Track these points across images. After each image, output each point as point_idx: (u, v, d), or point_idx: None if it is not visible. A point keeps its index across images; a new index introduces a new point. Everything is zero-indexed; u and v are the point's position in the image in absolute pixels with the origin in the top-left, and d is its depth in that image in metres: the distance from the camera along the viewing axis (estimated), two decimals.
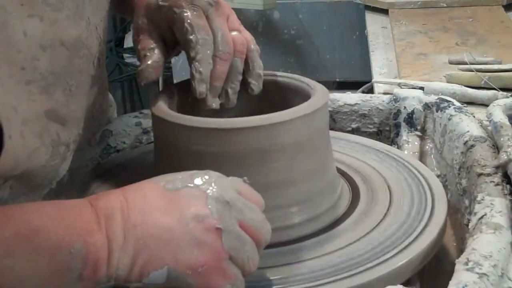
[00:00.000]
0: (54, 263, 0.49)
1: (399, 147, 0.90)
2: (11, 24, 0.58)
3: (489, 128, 0.76)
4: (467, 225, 0.63)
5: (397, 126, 0.93)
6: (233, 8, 0.75)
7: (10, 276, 0.48)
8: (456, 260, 0.53)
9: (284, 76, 0.76)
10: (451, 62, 1.28)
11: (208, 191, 0.54)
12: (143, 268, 0.51)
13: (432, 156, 0.88)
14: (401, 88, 1.06)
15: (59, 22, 0.64)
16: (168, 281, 0.51)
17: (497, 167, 0.67)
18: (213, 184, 0.54)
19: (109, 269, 0.51)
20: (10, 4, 0.59)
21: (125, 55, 2.86)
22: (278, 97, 0.75)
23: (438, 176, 0.79)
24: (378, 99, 0.94)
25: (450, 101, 0.86)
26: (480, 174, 0.67)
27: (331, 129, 0.75)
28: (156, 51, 0.71)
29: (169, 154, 0.66)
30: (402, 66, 1.31)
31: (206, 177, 0.55)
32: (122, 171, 0.80)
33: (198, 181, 0.55)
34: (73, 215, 0.51)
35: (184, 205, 0.53)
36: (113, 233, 0.51)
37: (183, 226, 0.52)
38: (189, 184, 0.54)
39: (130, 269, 0.51)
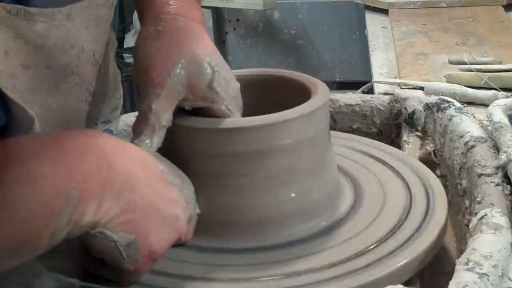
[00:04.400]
0: (50, 210, 0.49)
1: (399, 147, 0.90)
2: None
3: (489, 128, 0.76)
4: (468, 226, 0.63)
5: (398, 126, 0.93)
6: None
7: (9, 223, 0.47)
8: (456, 260, 0.53)
9: (285, 74, 0.76)
10: (451, 62, 1.28)
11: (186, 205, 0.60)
12: (119, 225, 0.54)
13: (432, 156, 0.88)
14: (401, 88, 1.06)
15: (45, 48, 0.64)
16: (125, 246, 0.54)
17: (497, 168, 0.67)
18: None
19: (95, 217, 0.52)
20: None
21: (125, 55, 2.86)
22: (279, 95, 0.75)
23: (438, 176, 0.79)
24: (378, 99, 0.94)
25: (450, 102, 0.86)
26: (480, 175, 0.67)
27: (332, 129, 0.75)
28: None
29: (169, 154, 0.66)
30: (402, 66, 1.31)
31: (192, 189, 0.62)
32: None
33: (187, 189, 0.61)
34: (75, 159, 0.51)
35: (173, 202, 0.58)
36: (110, 184, 0.52)
37: (164, 218, 0.57)
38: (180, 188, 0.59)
39: (109, 220, 0.53)
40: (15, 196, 0.47)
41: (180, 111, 0.67)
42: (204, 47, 0.67)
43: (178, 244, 0.61)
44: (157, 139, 0.63)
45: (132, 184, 0.54)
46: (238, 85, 0.69)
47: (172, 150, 0.65)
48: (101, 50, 0.75)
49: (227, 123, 0.65)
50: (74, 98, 0.71)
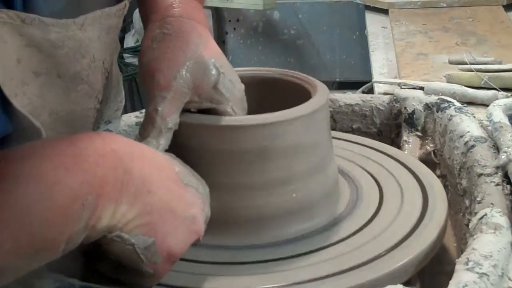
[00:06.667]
0: (66, 217, 0.48)
1: (399, 147, 0.90)
2: (6, 53, 0.59)
3: (489, 128, 0.76)
4: (467, 225, 0.63)
5: (398, 126, 0.93)
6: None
7: (25, 231, 0.47)
8: (456, 260, 0.53)
9: (285, 74, 0.76)
10: (451, 62, 1.28)
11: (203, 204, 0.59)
12: (136, 228, 0.53)
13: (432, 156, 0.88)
14: (401, 88, 1.06)
15: (57, 57, 0.64)
16: (144, 249, 0.54)
17: (497, 168, 0.67)
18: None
19: (112, 221, 0.52)
20: (7, 34, 0.59)
21: (125, 55, 2.86)
22: (279, 95, 0.75)
23: (438, 176, 0.79)
24: (378, 99, 0.94)
25: (450, 102, 0.86)
26: (480, 175, 0.67)
27: (332, 129, 0.75)
28: None
29: (170, 151, 0.67)
30: (402, 66, 1.31)
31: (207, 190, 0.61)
32: None
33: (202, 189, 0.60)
34: (91, 164, 0.50)
35: (190, 204, 0.57)
36: (127, 188, 0.52)
37: (181, 220, 0.56)
38: (196, 189, 0.59)
39: (126, 224, 0.53)
40: (30, 205, 0.46)
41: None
42: (209, 49, 0.67)
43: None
44: (164, 141, 0.63)
45: (148, 187, 0.54)
46: (243, 86, 0.70)
47: (174, 147, 0.65)
48: (110, 58, 0.75)
49: (228, 120, 0.65)
50: (83, 106, 0.71)
